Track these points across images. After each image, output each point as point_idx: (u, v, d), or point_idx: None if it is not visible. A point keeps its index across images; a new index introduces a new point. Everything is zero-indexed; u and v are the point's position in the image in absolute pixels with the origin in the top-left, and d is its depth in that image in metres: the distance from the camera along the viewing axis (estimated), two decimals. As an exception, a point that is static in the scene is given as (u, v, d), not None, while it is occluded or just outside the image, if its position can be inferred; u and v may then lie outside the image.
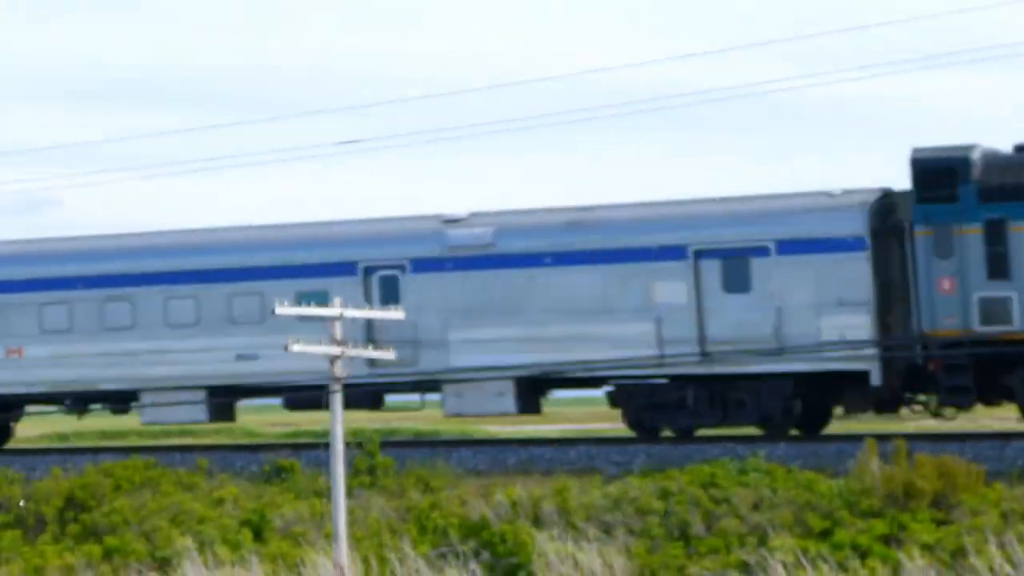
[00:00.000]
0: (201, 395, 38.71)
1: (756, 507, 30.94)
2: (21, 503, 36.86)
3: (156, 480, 36.75)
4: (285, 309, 31.48)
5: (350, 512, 30.93)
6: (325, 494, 32.10)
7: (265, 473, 37.45)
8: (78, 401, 40.35)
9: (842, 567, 27.95)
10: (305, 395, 37.06)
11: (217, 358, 38.35)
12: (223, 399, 39.39)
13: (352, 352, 30.31)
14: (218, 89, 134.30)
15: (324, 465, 32.12)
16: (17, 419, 42.20)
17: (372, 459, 36.15)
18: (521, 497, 32.83)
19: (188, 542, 32.43)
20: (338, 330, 30.27)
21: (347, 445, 31.42)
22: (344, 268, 38.09)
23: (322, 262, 38.43)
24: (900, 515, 29.39)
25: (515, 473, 35.87)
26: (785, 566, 28.16)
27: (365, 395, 37.94)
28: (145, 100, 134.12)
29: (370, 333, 35.83)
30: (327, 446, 30.19)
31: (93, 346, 39.21)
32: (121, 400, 40.35)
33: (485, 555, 30.81)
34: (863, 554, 28.48)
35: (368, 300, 36.86)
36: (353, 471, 34.29)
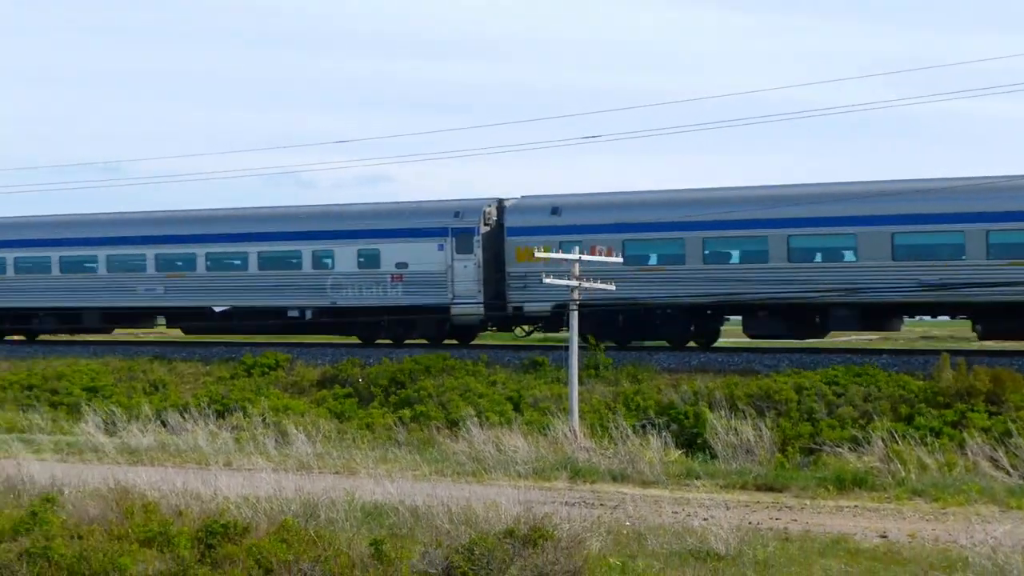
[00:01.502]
0: None
1: (865, 399, 34.22)
2: (359, 380, 41.69)
3: (452, 367, 41.22)
4: (541, 253, 34.60)
5: (580, 394, 34.60)
6: (564, 381, 36.00)
7: (524, 365, 41.35)
8: None
9: (923, 442, 30.12)
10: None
11: None
12: None
13: (587, 285, 33.98)
14: (489, 99, 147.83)
15: (564, 361, 35.82)
16: None
17: (597, 358, 39.92)
18: (700, 388, 36.12)
19: (470, 410, 35.85)
20: (577, 269, 34.21)
21: (581, 348, 35.14)
22: None
23: None
24: (963, 407, 32.78)
25: (696, 371, 39.02)
26: (884, 440, 30.33)
27: None
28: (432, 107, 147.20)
29: None
30: (567, 348, 34.44)
31: None
32: None
33: (674, 427, 33.94)
34: (937, 434, 31.42)
35: None
36: (583, 366, 37.05)
